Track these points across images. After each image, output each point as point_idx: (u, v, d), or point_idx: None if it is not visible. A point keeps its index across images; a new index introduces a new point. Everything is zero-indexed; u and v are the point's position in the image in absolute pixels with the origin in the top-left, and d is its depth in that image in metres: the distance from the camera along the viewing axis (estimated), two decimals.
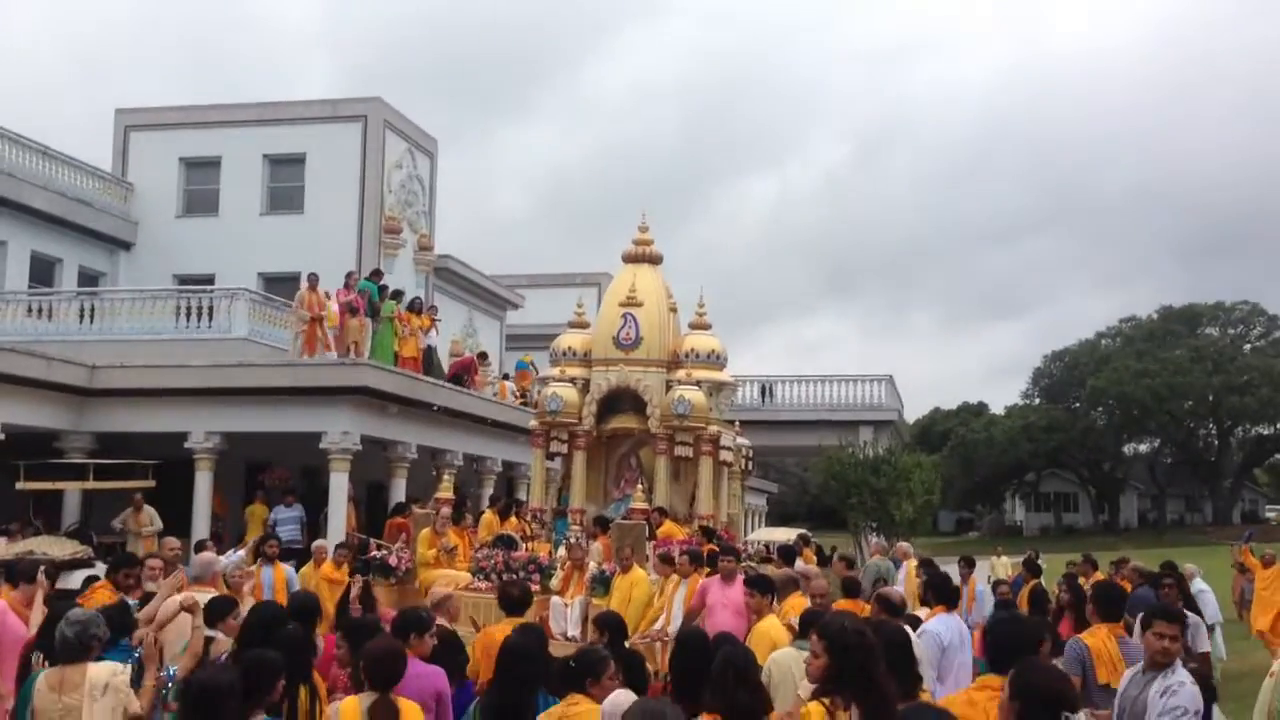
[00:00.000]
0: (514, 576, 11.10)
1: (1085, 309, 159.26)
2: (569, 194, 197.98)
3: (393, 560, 11.98)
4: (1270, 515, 74.33)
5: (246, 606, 7.28)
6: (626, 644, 7.20)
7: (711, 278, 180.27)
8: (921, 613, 8.74)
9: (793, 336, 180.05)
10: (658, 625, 10.36)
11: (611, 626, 6.86)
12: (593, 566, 11.14)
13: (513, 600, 7.61)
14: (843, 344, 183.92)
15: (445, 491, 14.40)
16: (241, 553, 12.41)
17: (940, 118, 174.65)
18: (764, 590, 8.10)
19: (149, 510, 17.27)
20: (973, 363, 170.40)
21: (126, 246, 29.49)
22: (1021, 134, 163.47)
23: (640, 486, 14.11)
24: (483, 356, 27.11)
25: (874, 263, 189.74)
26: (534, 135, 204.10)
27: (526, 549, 12.30)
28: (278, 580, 11.72)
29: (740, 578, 9.90)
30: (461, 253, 33.64)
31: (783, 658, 6.55)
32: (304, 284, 21.16)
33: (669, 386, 14.51)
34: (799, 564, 13.70)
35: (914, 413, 79.59)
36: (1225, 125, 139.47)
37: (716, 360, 15.08)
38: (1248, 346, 74.12)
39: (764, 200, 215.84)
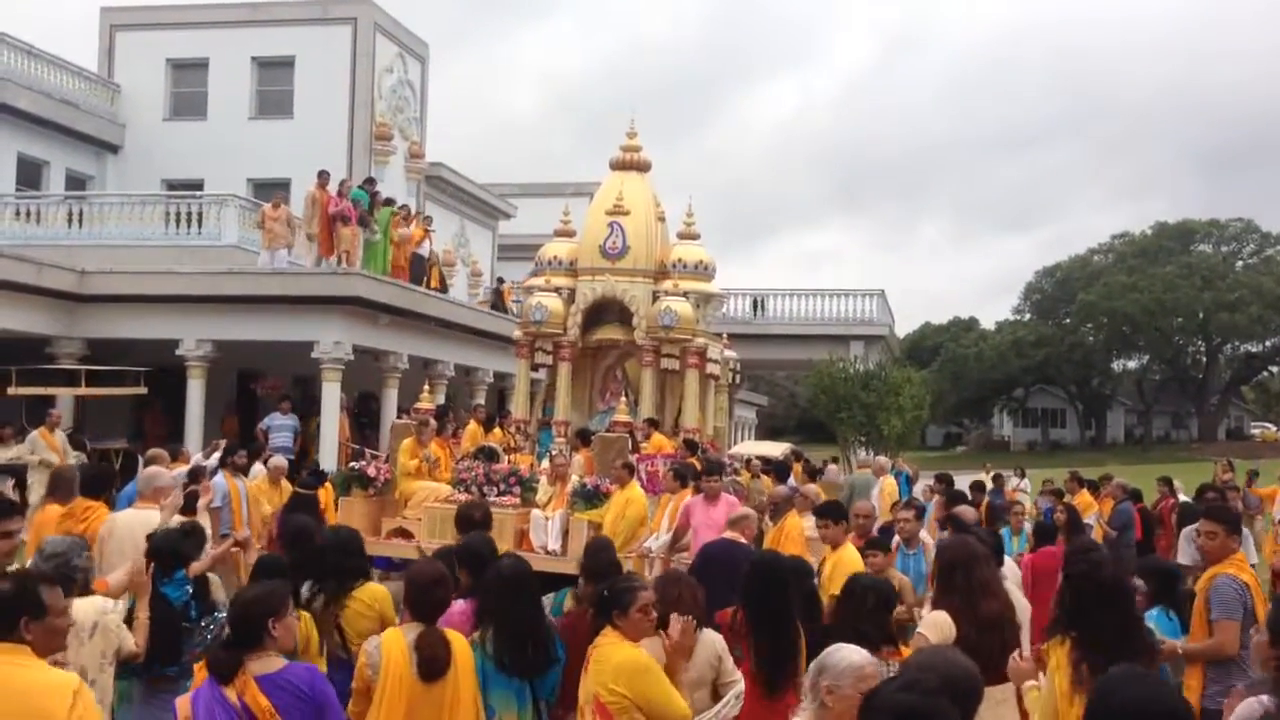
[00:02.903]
0: (495, 489, 11.17)
1: (1095, 223, 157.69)
2: (583, 97, 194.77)
3: (371, 470, 11.96)
4: (1255, 432, 74.90)
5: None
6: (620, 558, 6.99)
7: (723, 185, 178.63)
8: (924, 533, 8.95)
9: (798, 247, 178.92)
10: (648, 543, 10.24)
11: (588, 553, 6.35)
12: (574, 480, 11.22)
13: (474, 523, 6.66)
14: (847, 255, 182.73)
15: (425, 402, 14.39)
16: (216, 456, 12.13)
17: (968, 20, 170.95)
18: (837, 519, 7.76)
19: (61, 434, 16.34)
20: (976, 276, 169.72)
21: (114, 149, 29.18)
22: (1048, 40, 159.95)
23: (624, 399, 14.14)
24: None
25: (886, 172, 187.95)
26: (551, 35, 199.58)
27: (509, 461, 12.36)
28: (233, 493, 11.25)
29: (724, 497, 9.96)
30: (468, 157, 33.39)
31: None
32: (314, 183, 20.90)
33: (655, 297, 14.39)
34: (791, 480, 13.74)
35: (908, 327, 79.84)
36: (1256, 32, 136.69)
37: (704, 271, 14.94)
38: (1240, 264, 73.76)
39: (781, 106, 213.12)
